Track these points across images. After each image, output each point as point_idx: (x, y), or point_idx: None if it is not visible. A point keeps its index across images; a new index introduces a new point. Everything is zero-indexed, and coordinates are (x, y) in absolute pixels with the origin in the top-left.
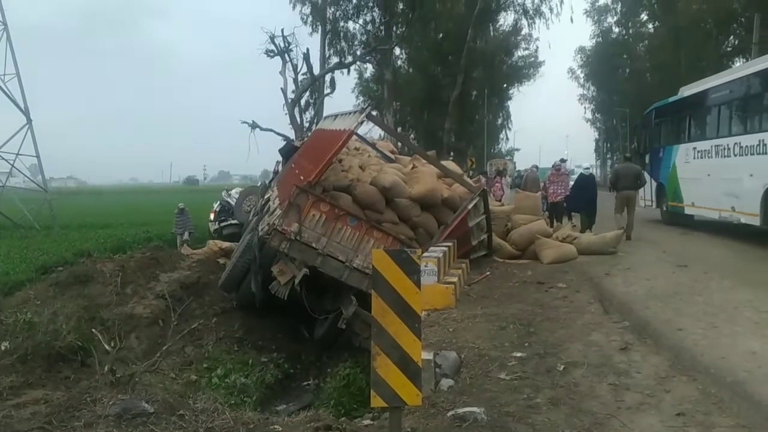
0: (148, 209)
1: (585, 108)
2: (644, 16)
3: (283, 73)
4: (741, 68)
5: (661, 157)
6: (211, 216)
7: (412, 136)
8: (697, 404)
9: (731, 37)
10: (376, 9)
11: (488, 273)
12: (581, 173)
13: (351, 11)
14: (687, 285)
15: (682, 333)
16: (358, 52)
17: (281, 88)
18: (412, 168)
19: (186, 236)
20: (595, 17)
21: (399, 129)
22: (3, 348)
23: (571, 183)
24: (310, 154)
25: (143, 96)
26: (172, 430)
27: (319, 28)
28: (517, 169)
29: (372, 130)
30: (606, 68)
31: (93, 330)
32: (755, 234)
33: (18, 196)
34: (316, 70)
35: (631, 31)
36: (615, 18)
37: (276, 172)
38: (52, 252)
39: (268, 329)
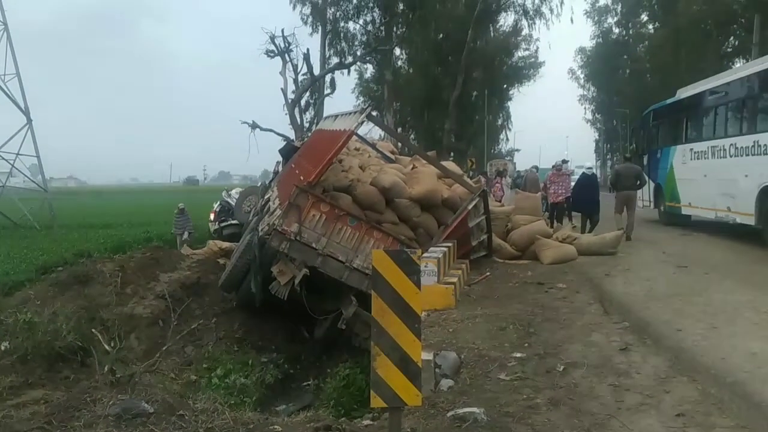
0: (148, 209)
1: (585, 109)
2: (644, 17)
3: (283, 73)
4: (736, 71)
5: (658, 158)
6: (211, 216)
7: (412, 136)
8: (697, 405)
9: (731, 37)
10: (377, 9)
11: (488, 273)
12: (584, 173)
13: (351, 12)
14: (687, 286)
15: (682, 333)
16: (359, 53)
17: (281, 89)
18: (412, 168)
19: (186, 236)
20: (596, 18)
21: (399, 129)
22: (3, 348)
23: (572, 184)
24: (310, 154)
25: (143, 96)
26: (172, 431)
27: (320, 28)
28: (517, 169)
29: (372, 131)
30: (606, 69)
31: (93, 330)
32: (754, 234)
33: (18, 196)
34: (317, 71)
35: (631, 32)
36: (615, 19)
37: (276, 173)
38: (52, 252)
39: (268, 329)
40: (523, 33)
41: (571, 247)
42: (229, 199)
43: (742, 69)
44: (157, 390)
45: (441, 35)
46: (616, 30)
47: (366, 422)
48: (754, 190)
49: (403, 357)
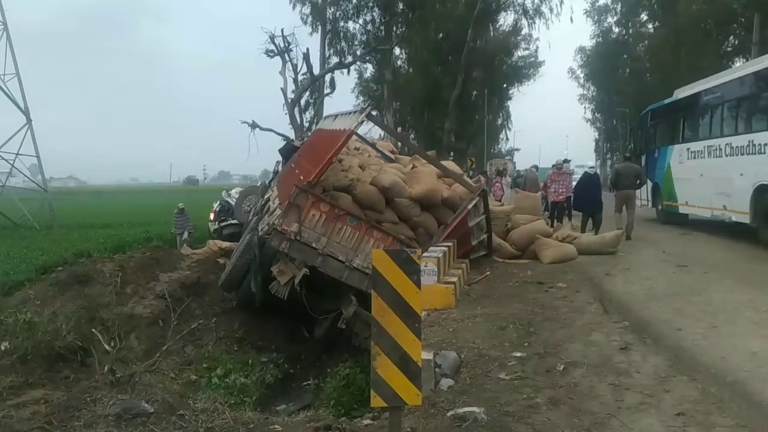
0: (148, 209)
1: (585, 108)
2: (644, 16)
3: (283, 73)
4: (731, 72)
5: (656, 157)
6: (211, 216)
7: (411, 136)
8: (697, 404)
9: (731, 37)
10: (376, 9)
11: (488, 273)
12: (586, 172)
13: (351, 11)
14: (687, 285)
15: (682, 333)
16: (358, 52)
17: (281, 88)
18: (412, 168)
19: (186, 236)
20: (595, 17)
21: (399, 129)
22: (3, 348)
23: (574, 183)
24: (309, 154)
25: (143, 96)
26: (172, 430)
27: (319, 28)
28: (517, 169)
29: (372, 130)
30: (606, 68)
31: (93, 330)
32: (753, 233)
33: (18, 196)
34: (316, 70)
35: (631, 31)
36: (615, 18)
37: (276, 172)
38: (52, 252)
39: (268, 329)
40: (523, 32)
41: (571, 247)
42: (228, 199)
43: (736, 70)
44: (157, 390)
45: (441, 35)
46: (616, 29)
47: (366, 422)
48: (748, 189)
49: (403, 356)
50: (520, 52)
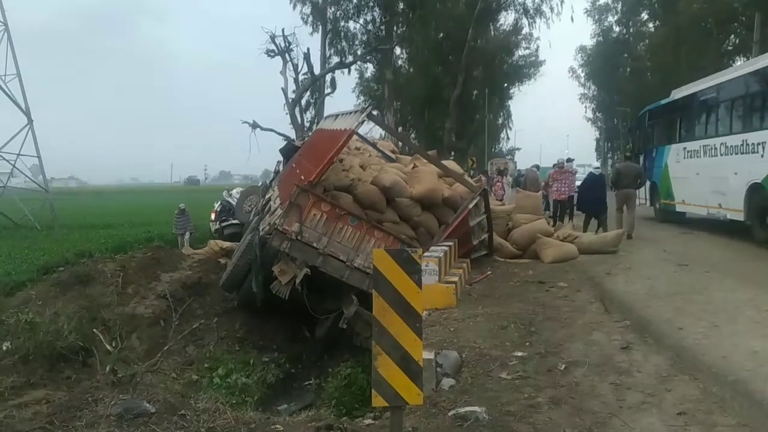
0: (148, 209)
1: (586, 107)
2: (645, 16)
3: (283, 72)
4: (726, 73)
5: (654, 157)
6: (212, 216)
7: (412, 135)
8: (698, 403)
9: (732, 36)
10: (377, 9)
11: (489, 272)
12: (591, 172)
13: (351, 11)
14: (688, 284)
15: (684, 332)
16: (359, 52)
17: (282, 88)
18: (413, 167)
19: (187, 236)
20: (596, 16)
21: (400, 128)
22: (5, 348)
23: (577, 182)
24: (310, 153)
25: (144, 96)
26: (174, 430)
27: (320, 27)
28: (517, 168)
29: (373, 130)
30: (607, 67)
31: (94, 330)
32: (751, 232)
33: (19, 196)
34: (317, 70)
35: (631, 30)
36: (616, 17)
37: (277, 172)
38: (54, 252)
39: (269, 329)
40: (524, 32)
41: (572, 246)
42: (230, 199)
43: (732, 71)
44: (158, 390)
45: (441, 34)
46: (617, 28)
47: (367, 421)
48: (743, 187)
49: (404, 356)
50: (520, 52)
